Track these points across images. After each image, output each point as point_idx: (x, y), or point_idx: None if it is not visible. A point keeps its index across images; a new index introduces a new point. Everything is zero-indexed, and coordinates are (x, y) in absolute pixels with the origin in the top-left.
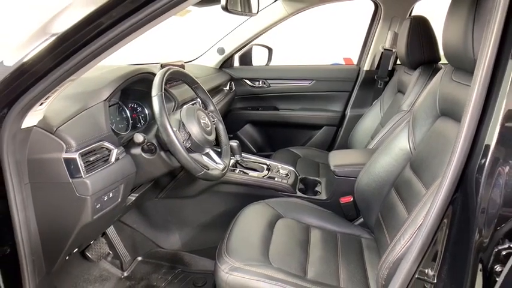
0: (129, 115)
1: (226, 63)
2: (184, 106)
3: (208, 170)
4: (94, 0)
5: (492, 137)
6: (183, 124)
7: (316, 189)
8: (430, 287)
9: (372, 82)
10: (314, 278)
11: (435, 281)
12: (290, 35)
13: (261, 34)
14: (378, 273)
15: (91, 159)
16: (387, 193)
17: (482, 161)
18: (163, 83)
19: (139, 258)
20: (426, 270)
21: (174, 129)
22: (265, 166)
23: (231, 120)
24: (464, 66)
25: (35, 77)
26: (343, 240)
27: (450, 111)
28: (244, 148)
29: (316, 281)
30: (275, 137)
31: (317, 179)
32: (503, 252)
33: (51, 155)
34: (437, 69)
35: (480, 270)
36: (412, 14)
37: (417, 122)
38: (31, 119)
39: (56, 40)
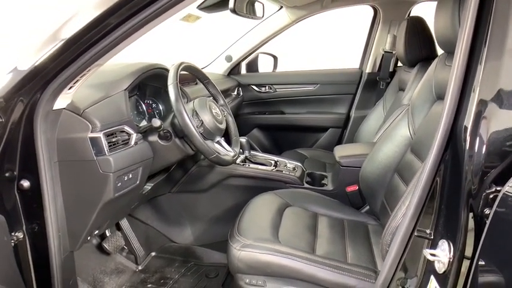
0: (145, 110)
1: (234, 70)
2: (197, 98)
3: (220, 154)
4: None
5: (474, 100)
6: (196, 113)
7: (323, 182)
8: (428, 243)
9: (374, 84)
10: (322, 255)
11: (432, 237)
12: (295, 47)
13: (267, 41)
14: (381, 241)
15: (113, 140)
16: (390, 178)
17: (467, 121)
18: (178, 74)
19: (153, 254)
20: (426, 230)
21: (189, 115)
22: (272, 162)
23: (239, 124)
24: (454, 49)
25: (65, 63)
26: (350, 226)
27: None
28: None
29: (325, 256)
30: (282, 140)
31: (323, 173)
32: (491, 196)
33: (78, 134)
34: None
35: (472, 218)
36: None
37: (415, 109)
38: (61, 102)
39: (81, 30)
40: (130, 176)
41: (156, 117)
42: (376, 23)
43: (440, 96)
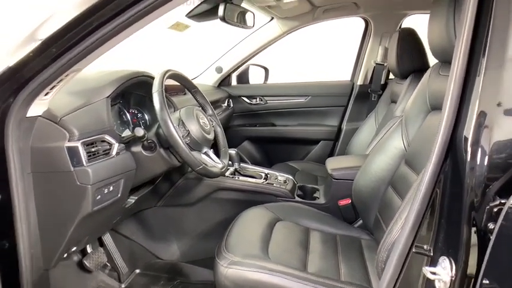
0: (129, 119)
1: (224, 81)
2: (184, 107)
3: (207, 166)
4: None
5: (474, 110)
6: (183, 122)
7: (315, 195)
8: (427, 260)
9: (365, 96)
10: (314, 272)
11: (432, 253)
12: (284, 59)
13: (258, 52)
14: (376, 258)
15: (92, 150)
16: (384, 191)
17: (468, 127)
18: (164, 81)
19: (137, 271)
20: (424, 246)
21: (174, 124)
22: (263, 174)
23: (230, 137)
24: (450, 58)
25: (39, 66)
26: (342, 241)
27: (440, 104)
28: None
29: (317, 274)
30: (273, 153)
31: (315, 186)
32: (495, 209)
33: (54, 143)
34: None
35: (475, 232)
36: None
37: (409, 120)
38: (36, 109)
39: (59, 30)
40: (111, 188)
41: (140, 127)
42: (368, 35)
43: (435, 107)
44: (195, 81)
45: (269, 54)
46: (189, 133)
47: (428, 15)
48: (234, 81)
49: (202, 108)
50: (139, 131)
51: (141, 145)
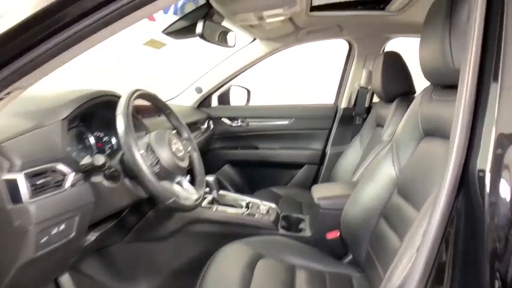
0: (93, 144)
1: (204, 102)
2: (154, 131)
3: (179, 198)
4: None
5: (490, 138)
6: (152, 148)
7: (300, 226)
8: None
9: (350, 119)
10: None
11: None
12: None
13: (239, 73)
14: None
15: (38, 182)
16: (376, 223)
17: (484, 156)
18: (131, 102)
19: None
20: None
21: (141, 151)
22: (244, 203)
23: (210, 160)
24: (444, 80)
25: None
26: (332, 280)
27: (434, 130)
28: (223, 190)
29: None
30: (256, 178)
31: (300, 216)
32: None
33: None
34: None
35: (499, 287)
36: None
37: (400, 147)
38: None
39: (3, 34)
40: (63, 227)
41: (104, 153)
42: (351, 57)
43: (428, 133)
44: (173, 101)
45: (251, 75)
46: (158, 161)
47: (410, 38)
48: (214, 102)
49: (177, 132)
50: (99, 159)
51: (102, 174)
